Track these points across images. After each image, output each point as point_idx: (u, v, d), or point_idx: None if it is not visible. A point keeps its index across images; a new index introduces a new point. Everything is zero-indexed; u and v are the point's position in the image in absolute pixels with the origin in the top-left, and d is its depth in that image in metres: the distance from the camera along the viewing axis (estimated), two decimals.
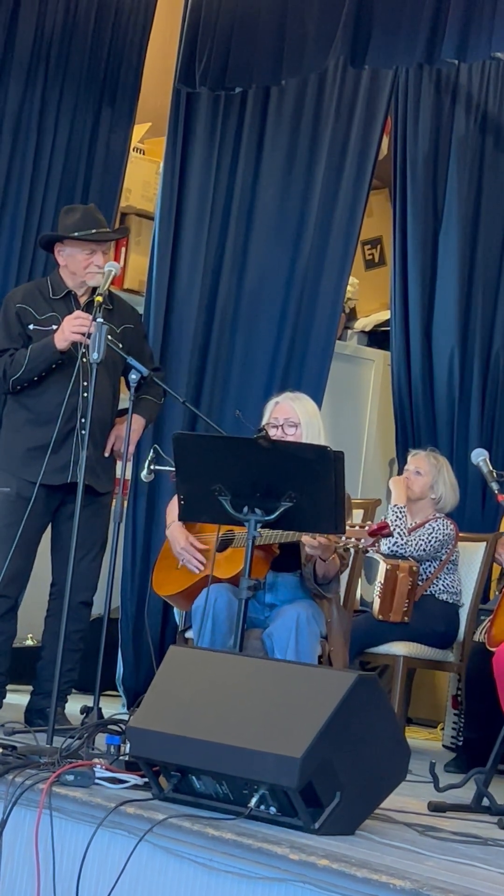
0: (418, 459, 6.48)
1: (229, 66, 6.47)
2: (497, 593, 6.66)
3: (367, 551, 5.41)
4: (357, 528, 4.94)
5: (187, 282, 6.80)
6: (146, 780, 3.88)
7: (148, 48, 6.87)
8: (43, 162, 6.56)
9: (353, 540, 4.92)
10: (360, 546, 4.96)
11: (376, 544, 5.37)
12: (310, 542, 4.98)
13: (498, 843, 3.85)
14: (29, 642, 6.85)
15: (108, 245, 5.64)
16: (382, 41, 5.89)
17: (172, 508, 5.36)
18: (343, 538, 4.92)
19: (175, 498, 5.07)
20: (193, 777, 3.74)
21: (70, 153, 6.65)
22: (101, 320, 4.98)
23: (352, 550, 5.12)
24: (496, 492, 5.06)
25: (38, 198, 6.54)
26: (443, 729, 6.87)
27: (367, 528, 4.93)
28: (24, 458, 5.41)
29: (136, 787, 3.92)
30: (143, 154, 7.75)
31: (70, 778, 3.86)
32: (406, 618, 6.09)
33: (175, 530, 5.40)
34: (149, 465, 5.47)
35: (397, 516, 6.26)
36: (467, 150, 7.52)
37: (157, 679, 3.97)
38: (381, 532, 4.95)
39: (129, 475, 5.81)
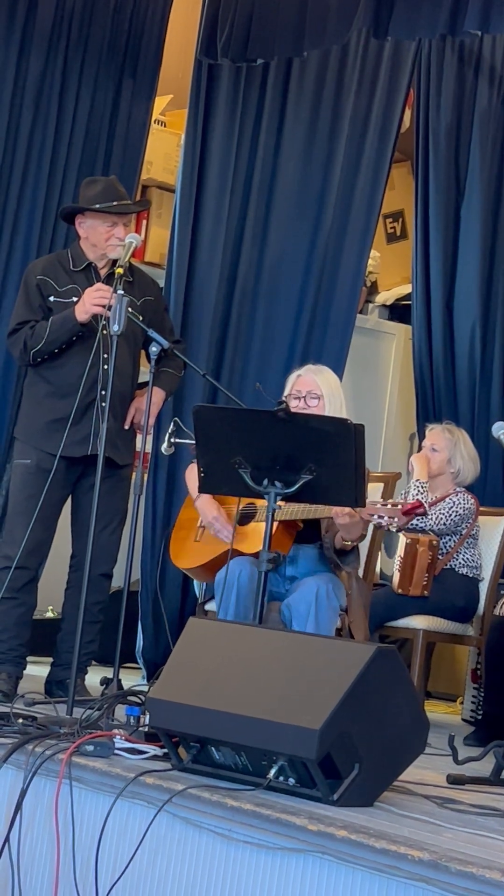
0: (434, 435, 6.46)
1: (251, 38, 6.44)
2: None
3: (401, 530, 5.38)
4: (389, 505, 4.92)
5: (208, 254, 6.79)
6: (165, 750, 3.89)
7: (170, 19, 6.84)
8: (64, 134, 6.55)
9: (386, 518, 4.90)
10: (394, 525, 4.94)
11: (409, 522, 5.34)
12: (341, 512, 4.96)
13: None
14: (49, 614, 6.88)
15: (130, 217, 5.63)
16: (405, 12, 5.85)
17: (191, 474, 5.37)
18: (375, 517, 4.91)
19: (193, 464, 5.07)
20: (213, 748, 3.74)
21: (91, 125, 6.64)
22: (122, 292, 4.97)
23: (388, 529, 5.09)
24: None
25: (60, 170, 6.53)
26: (462, 703, 6.87)
27: (400, 506, 4.91)
28: (45, 431, 5.41)
29: (155, 757, 3.94)
30: (165, 126, 7.73)
31: (90, 748, 3.87)
32: (426, 592, 6.09)
33: (204, 502, 5.41)
34: (169, 437, 5.47)
35: (419, 491, 6.25)
36: (490, 123, 7.48)
37: (176, 650, 3.98)
38: (415, 511, 4.92)
39: (149, 448, 5.82)
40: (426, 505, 6.21)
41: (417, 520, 6.17)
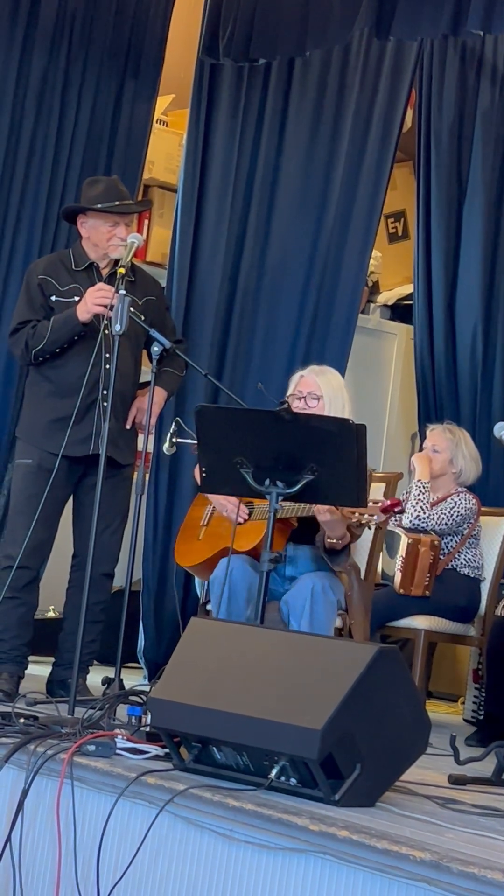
0: (435, 436, 6.46)
1: (253, 38, 6.44)
2: None
3: (381, 528, 5.41)
4: (370, 504, 4.94)
5: (210, 254, 6.79)
6: (167, 750, 3.89)
7: (172, 19, 6.84)
8: (66, 133, 6.55)
9: (366, 516, 4.92)
10: (373, 522, 4.96)
11: (390, 520, 5.37)
12: (321, 510, 4.97)
13: None
14: (51, 614, 6.88)
15: (132, 217, 5.63)
16: (407, 12, 5.85)
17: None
18: (356, 514, 4.92)
19: None
20: (214, 748, 3.74)
21: (93, 125, 6.64)
22: (124, 292, 4.97)
23: (367, 527, 5.12)
24: None
25: (62, 169, 6.53)
26: (463, 703, 6.87)
27: (379, 504, 4.93)
28: (46, 430, 5.41)
29: (156, 757, 3.94)
30: (167, 126, 7.73)
31: (91, 748, 3.87)
32: (427, 592, 6.09)
33: None
34: (171, 437, 5.47)
35: (420, 491, 6.25)
36: (492, 123, 7.48)
37: (178, 650, 3.98)
38: (393, 509, 4.95)
39: (150, 447, 5.83)
40: (428, 504, 6.22)
41: (419, 520, 6.17)
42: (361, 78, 7.05)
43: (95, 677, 5.55)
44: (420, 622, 6.13)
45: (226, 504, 5.37)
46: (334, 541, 5.11)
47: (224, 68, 6.75)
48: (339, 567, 5.24)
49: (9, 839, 3.86)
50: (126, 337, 5.09)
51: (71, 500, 5.55)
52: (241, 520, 5.30)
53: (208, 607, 5.58)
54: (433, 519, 6.20)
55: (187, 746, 3.82)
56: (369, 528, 5.22)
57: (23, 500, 5.42)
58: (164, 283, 6.38)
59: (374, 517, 4.92)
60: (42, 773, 3.87)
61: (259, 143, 6.92)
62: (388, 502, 4.95)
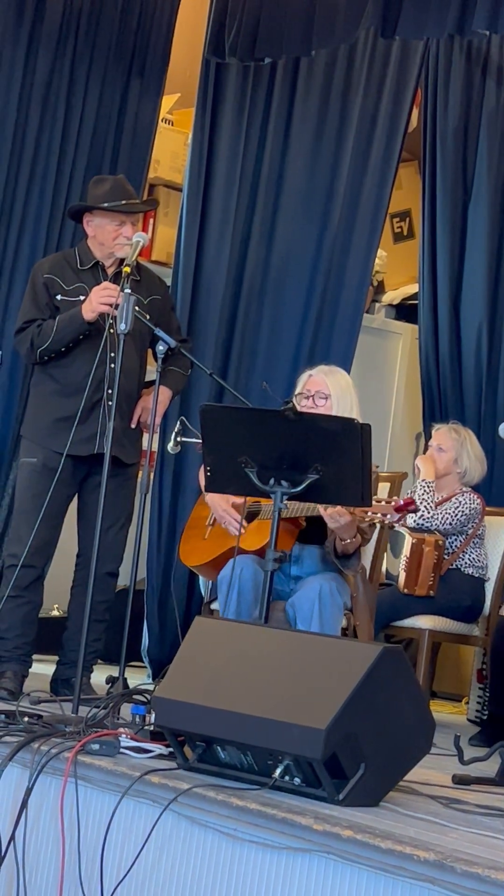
0: (440, 435, 6.46)
1: (259, 37, 6.44)
2: None
3: (393, 527, 5.40)
4: (383, 503, 4.93)
5: (215, 253, 6.79)
6: (171, 749, 3.89)
7: (177, 18, 6.85)
8: (72, 132, 6.56)
9: (378, 515, 4.91)
10: (386, 522, 4.96)
11: (402, 520, 5.37)
12: (334, 514, 4.96)
13: None
14: (55, 613, 6.88)
15: (138, 216, 5.63)
16: (413, 12, 5.85)
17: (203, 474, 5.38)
18: (369, 513, 4.91)
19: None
20: (218, 747, 3.74)
21: (99, 124, 6.64)
22: (129, 291, 4.97)
23: (377, 526, 5.11)
24: None
25: (67, 168, 6.54)
26: (467, 703, 6.87)
27: (393, 503, 4.92)
28: (51, 429, 5.42)
29: (160, 756, 3.94)
30: (172, 125, 7.73)
31: (95, 747, 3.87)
32: (431, 591, 6.09)
33: (215, 495, 5.40)
34: (175, 436, 5.47)
35: (425, 491, 6.25)
36: (497, 123, 7.47)
37: (182, 649, 3.98)
38: (408, 508, 4.94)
39: (155, 447, 5.83)
40: (433, 504, 6.22)
41: (423, 520, 6.17)
42: (367, 77, 7.05)
43: (99, 676, 5.55)
44: (424, 622, 6.13)
45: (224, 516, 5.37)
46: (347, 541, 5.11)
47: (229, 67, 6.75)
48: (351, 571, 5.23)
49: (13, 838, 3.86)
50: (131, 336, 5.10)
51: (75, 499, 5.55)
52: (237, 531, 5.30)
53: (212, 606, 5.59)
54: (438, 518, 6.20)
55: (191, 745, 3.82)
56: (384, 528, 5.21)
57: (28, 498, 5.43)
58: (169, 282, 6.39)
59: (388, 516, 4.92)
60: (46, 771, 3.87)
61: (264, 143, 6.92)
62: (402, 501, 4.93)
